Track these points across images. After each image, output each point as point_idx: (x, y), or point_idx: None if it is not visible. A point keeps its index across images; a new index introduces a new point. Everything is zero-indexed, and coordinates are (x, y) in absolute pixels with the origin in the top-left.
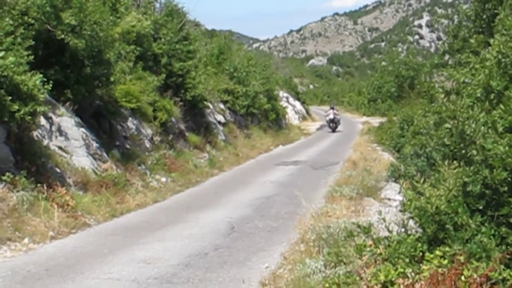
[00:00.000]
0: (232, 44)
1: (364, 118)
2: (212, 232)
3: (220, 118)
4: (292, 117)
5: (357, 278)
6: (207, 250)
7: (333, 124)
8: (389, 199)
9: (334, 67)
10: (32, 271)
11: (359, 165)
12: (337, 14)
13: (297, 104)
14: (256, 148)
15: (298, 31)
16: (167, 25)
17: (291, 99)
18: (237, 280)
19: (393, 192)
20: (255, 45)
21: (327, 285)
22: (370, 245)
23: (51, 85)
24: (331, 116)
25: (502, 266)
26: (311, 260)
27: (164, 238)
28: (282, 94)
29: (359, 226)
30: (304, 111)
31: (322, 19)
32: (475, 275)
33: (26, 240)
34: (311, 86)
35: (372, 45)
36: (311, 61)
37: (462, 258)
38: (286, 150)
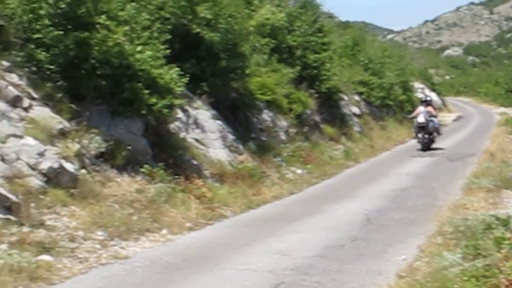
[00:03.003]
0: (366, 36)
1: (501, 109)
2: (348, 223)
3: (355, 109)
4: None
5: (496, 271)
6: (343, 241)
7: (424, 135)
8: None
9: (470, 58)
10: (171, 261)
11: (496, 157)
12: (472, 3)
13: (433, 95)
14: (392, 140)
15: (433, 21)
16: (301, 17)
17: (426, 90)
18: (373, 272)
19: None
20: (389, 36)
21: (465, 278)
22: (509, 238)
23: (187, 78)
24: (422, 120)
25: None
26: (448, 253)
27: (300, 229)
28: (418, 85)
29: (497, 219)
30: (440, 102)
31: (457, 8)
32: None
33: (164, 231)
34: (447, 77)
35: (509, 35)
36: (446, 52)
37: None
38: None
